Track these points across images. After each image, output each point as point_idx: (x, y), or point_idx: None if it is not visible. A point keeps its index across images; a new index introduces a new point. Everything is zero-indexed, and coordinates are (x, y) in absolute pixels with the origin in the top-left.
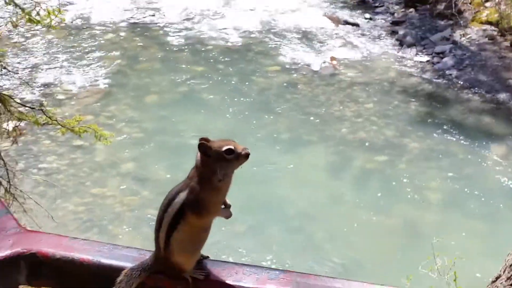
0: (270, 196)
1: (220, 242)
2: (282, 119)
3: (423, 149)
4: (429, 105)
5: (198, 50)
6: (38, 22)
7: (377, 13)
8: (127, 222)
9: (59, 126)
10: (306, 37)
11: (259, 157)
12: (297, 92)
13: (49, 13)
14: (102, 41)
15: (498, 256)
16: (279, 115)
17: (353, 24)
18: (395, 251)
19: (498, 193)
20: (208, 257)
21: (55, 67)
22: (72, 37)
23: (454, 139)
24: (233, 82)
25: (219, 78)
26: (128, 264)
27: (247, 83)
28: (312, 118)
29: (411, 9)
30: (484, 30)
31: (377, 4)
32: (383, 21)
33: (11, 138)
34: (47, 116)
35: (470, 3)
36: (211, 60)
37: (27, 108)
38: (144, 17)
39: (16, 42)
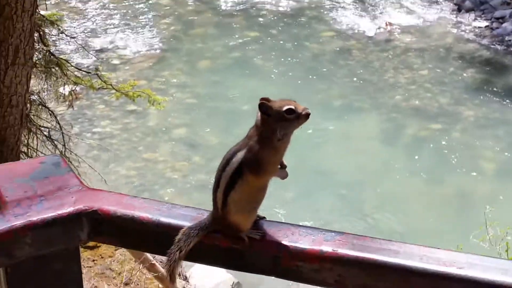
0: (321, 162)
1: (271, 207)
2: (335, 85)
3: (478, 117)
4: (486, 72)
5: (251, 15)
6: None
7: None
8: (178, 187)
9: (114, 91)
10: (361, 1)
11: (311, 123)
12: (351, 58)
13: None
14: (156, 6)
15: None
16: (331, 81)
17: None
18: (446, 220)
19: None
20: (264, 217)
21: (110, 32)
22: (127, 2)
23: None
24: (286, 48)
25: (272, 44)
26: (186, 223)
27: (300, 49)
28: (365, 84)
29: None
30: None
31: None
32: None
33: (67, 102)
34: (102, 81)
35: None
36: (264, 25)
37: (83, 72)
38: None
39: (73, 7)
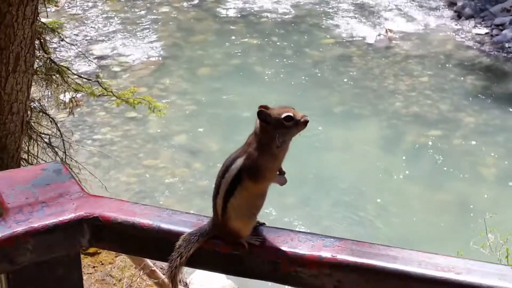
0: (321, 169)
1: (271, 214)
2: (335, 92)
3: (478, 123)
4: (486, 79)
5: (252, 22)
6: None
7: None
8: (179, 193)
9: (114, 98)
10: (362, 8)
11: (311, 130)
12: (351, 65)
13: None
14: (157, 13)
15: None
16: (332, 88)
17: None
18: (446, 226)
19: None
20: (264, 223)
21: (111, 39)
22: (127, 9)
23: None
24: (286, 55)
25: (273, 51)
26: (186, 229)
27: (300, 56)
28: (365, 91)
29: None
30: None
31: None
32: None
33: (68, 109)
34: (102, 88)
35: None
36: (265, 32)
37: (83, 79)
38: None
39: (74, 14)
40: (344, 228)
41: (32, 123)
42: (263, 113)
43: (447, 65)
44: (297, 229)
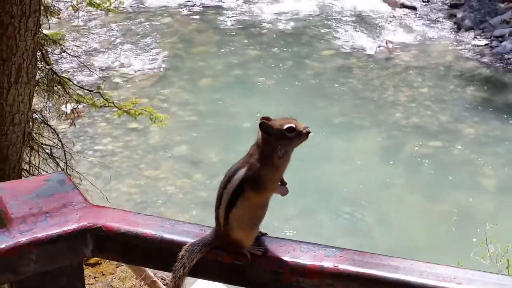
0: (321, 179)
1: (272, 224)
2: (336, 103)
3: (478, 134)
4: (486, 90)
5: (253, 33)
6: (98, 5)
7: None
8: (180, 204)
9: (116, 109)
10: (362, 20)
11: (311, 140)
12: (351, 76)
13: None
14: (158, 25)
15: None
16: (332, 99)
17: (410, 7)
18: (447, 237)
19: None
20: (266, 234)
21: (112, 51)
22: (129, 21)
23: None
24: (287, 66)
25: (273, 62)
26: (189, 240)
27: (301, 67)
28: (365, 102)
29: None
30: None
31: None
32: (441, 3)
33: (69, 120)
34: (104, 99)
35: None
36: (266, 44)
37: (85, 90)
38: (200, 1)
39: (75, 26)
40: (344, 238)
41: (34, 134)
42: (264, 125)
43: (447, 76)
44: (298, 240)
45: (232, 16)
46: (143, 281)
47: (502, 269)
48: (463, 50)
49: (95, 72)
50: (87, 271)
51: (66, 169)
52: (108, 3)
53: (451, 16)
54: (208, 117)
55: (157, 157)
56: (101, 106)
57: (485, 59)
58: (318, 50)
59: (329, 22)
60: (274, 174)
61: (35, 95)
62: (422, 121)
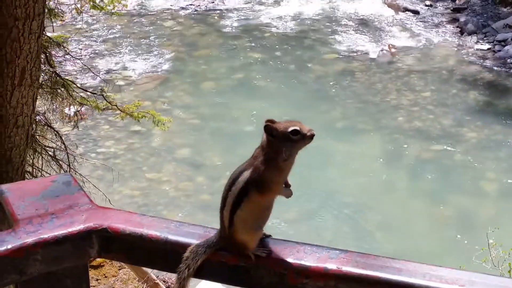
0: (324, 183)
1: (275, 227)
2: (338, 107)
3: (481, 139)
4: (488, 94)
5: (256, 37)
6: (101, 8)
7: (438, 0)
8: (182, 207)
9: (118, 111)
10: (365, 24)
11: (314, 144)
12: (354, 80)
13: None
14: (161, 28)
15: None
16: (335, 103)
17: (413, 11)
18: (449, 241)
19: None
20: (270, 235)
21: (115, 54)
22: (132, 24)
23: None
24: (289, 70)
25: (276, 65)
26: (194, 241)
27: (303, 71)
28: (368, 106)
29: None
30: None
31: None
32: (443, 8)
33: (72, 123)
34: (107, 101)
35: None
36: (268, 47)
37: (88, 93)
38: (203, 4)
39: (79, 29)
40: (347, 242)
41: (37, 136)
42: (269, 127)
43: (449, 80)
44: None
45: (235, 20)
46: (145, 284)
47: (504, 273)
48: (465, 54)
49: (98, 74)
50: (90, 273)
51: (69, 171)
52: (111, 6)
53: (453, 20)
54: (211, 120)
55: (160, 160)
56: (104, 108)
57: (488, 63)
58: (320, 54)
59: (332, 26)
60: (279, 176)
61: (38, 97)
62: (425, 125)
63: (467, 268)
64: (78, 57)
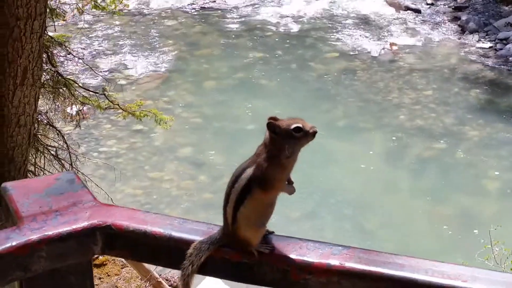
0: (326, 181)
1: (277, 225)
2: (340, 105)
3: (482, 137)
4: (490, 93)
5: (257, 36)
6: (103, 8)
7: None
8: (184, 206)
9: (120, 111)
10: (366, 23)
11: (316, 142)
12: (355, 79)
13: None
14: (163, 27)
15: None
16: (336, 101)
17: (414, 10)
18: (451, 239)
19: None
20: (273, 232)
21: (117, 53)
22: (134, 23)
23: None
24: (291, 68)
25: (278, 64)
26: (197, 238)
27: (305, 69)
28: (369, 105)
29: None
30: None
31: None
32: (445, 6)
33: (74, 122)
34: (109, 101)
35: None
36: (270, 46)
37: (90, 92)
38: (205, 3)
39: (81, 28)
40: (348, 240)
41: (39, 136)
42: (272, 125)
43: (451, 78)
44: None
45: (237, 19)
46: (148, 282)
47: (507, 271)
48: (467, 52)
49: (100, 74)
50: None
51: (71, 170)
52: (113, 6)
53: (455, 19)
54: (213, 119)
55: (162, 159)
56: (106, 108)
57: (489, 62)
58: (322, 53)
59: (333, 25)
60: (282, 173)
61: (40, 97)
62: (426, 124)
63: (469, 266)
64: (79, 57)
